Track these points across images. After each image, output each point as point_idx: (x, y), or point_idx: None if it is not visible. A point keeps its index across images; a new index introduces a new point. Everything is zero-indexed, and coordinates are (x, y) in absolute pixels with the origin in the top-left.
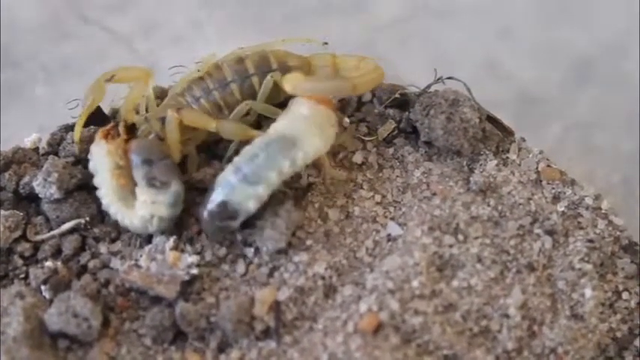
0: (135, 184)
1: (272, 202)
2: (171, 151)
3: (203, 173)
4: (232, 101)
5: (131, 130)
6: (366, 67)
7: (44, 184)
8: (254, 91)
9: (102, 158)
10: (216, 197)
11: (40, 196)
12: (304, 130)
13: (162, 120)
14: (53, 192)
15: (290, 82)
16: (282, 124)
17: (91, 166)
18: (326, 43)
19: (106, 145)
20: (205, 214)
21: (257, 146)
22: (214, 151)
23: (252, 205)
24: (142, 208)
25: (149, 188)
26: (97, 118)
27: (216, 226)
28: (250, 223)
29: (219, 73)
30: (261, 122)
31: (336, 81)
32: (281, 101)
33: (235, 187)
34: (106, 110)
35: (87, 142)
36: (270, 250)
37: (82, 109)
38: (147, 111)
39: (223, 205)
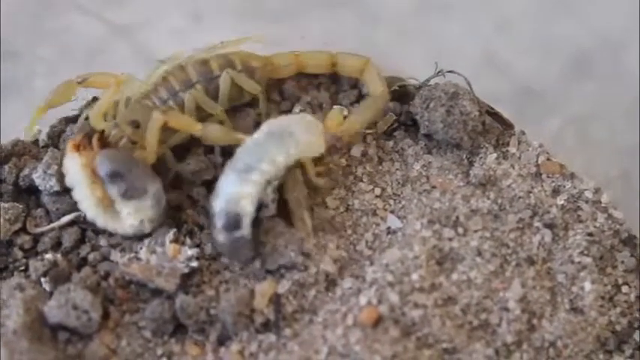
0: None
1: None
2: (147, 153)
3: (198, 163)
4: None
5: (103, 139)
6: (372, 70)
7: (44, 177)
8: (219, 93)
9: (77, 172)
10: (217, 207)
11: (40, 188)
12: (298, 126)
13: (134, 123)
14: (53, 184)
15: (335, 126)
16: (275, 121)
17: (67, 180)
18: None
19: (79, 158)
20: (218, 234)
21: (247, 144)
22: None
23: (247, 206)
24: (129, 218)
25: (128, 201)
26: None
27: (231, 242)
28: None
29: (184, 75)
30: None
31: (376, 104)
32: (246, 102)
33: (229, 191)
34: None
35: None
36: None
37: (44, 102)
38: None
39: (224, 214)
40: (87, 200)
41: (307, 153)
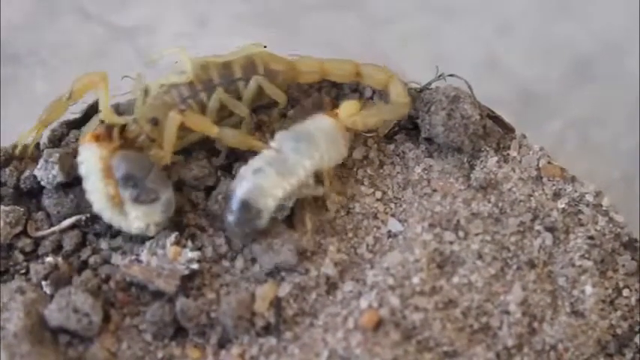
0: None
1: (270, 229)
2: (163, 152)
3: (201, 169)
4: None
5: (123, 133)
6: (397, 83)
7: (45, 167)
8: (239, 95)
9: (93, 163)
10: (237, 195)
11: (42, 183)
12: (319, 133)
13: (153, 121)
14: (56, 174)
15: (348, 115)
16: (296, 128)
17: (82, 170)
18: (265, 47)
19: (98, 150)
20: (230, 218)
21: (274, 151)
22: (213, 148)
23: (270, 203)
24: (136, 221)
25: (139, 205)
26: (96, 113)
27: (243, 228)
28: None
29: (205, 75)
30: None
31: (395, 110)
32: (263, 104)
33: (255, 185)
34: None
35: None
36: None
37: (37, 122)
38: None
39: (245, 204)
40: (97, 193)
41: (330, 162)
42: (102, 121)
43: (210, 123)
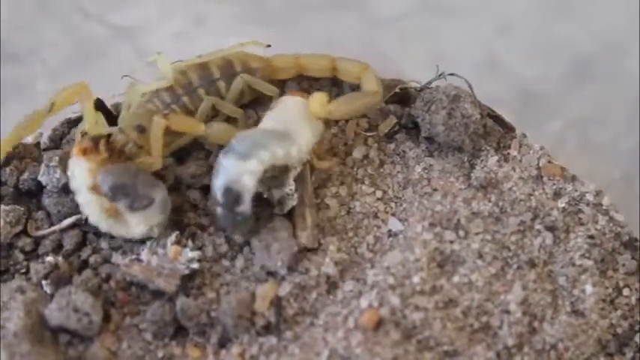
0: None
1: (270, 225)
2: (152, 158)
3: (198, 167)
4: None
5: (110, 144)
6: (369, 73)
7: (48, 171)
8: (220, 95)
9: (83, 177)
10: (216, 184)
11: (46, 186)
12: (296, 124)
13: (138, 128)
14: (59, 176)
15: (318, 105)
16: (273, 121)
17: (73, 185)
18: (269, 46)
19: (86, 163)
20: (217, 209)
21: (251, 131)
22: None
23: (248, 181)
24: (139, 227)
25: (135, 212)
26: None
27: (230, 217)
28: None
29: (184, 79)
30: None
31: (366, 98)
32: (245, 102)
33: (229, 166)
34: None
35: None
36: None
37: (12, 133)
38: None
39: (225, 189)
40: (90, 205)
41: (309, 147)
42: (84, 134)
43: (195, 122)
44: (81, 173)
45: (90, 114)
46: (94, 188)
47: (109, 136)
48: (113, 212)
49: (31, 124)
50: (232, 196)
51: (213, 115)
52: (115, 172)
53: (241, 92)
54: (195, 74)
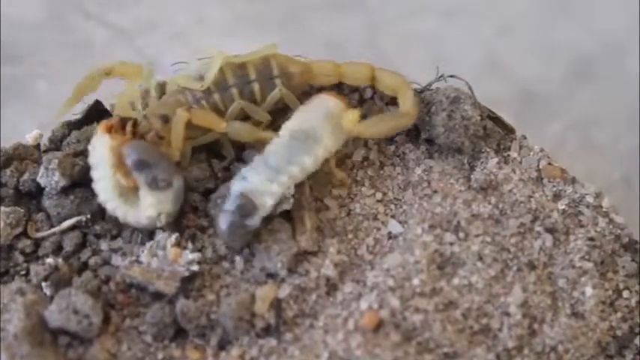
0: (136, 185)
1: (269, 226)
2: (172, 149)
3: (202, 171)
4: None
5: (134, 128)
6: (407, 90)
7: (47, 174)
8: (254, 97)
9: (104, 153)
10: (234, 193)
11: (45, 188)
12: (322, 124)
13: (163, 118)
14: (57, 179)
15: (351, 122)
16: (300, 120)
17: (92, 159)
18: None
19: (110, 140)
20: (224, 218)
21: (278, 143)
22: (216, 151)
23: (268, 200)
24: (149, 209)
25: (153, 190)
26: (97, 113)
27: (236, 228)
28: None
29: (220, 77)
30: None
31: (396, 120)
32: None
33: (254, 182)
34: (107, 106)
35: (87, 139)
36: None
37: (71, 94)
38: (145, 107)
39: (242, 200)
40: (104, 181)
41: (335, 148)
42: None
43: (217, 118)
44: (102, 148)
45: (130, 95)
46: (116, 161)
47: (135, 120)
48: (131, 185)
49: (87, 84)
50: (247, 209)
51: (243, 118)
52: (142, 147)
53: (278, 101)
54: (230, 73)
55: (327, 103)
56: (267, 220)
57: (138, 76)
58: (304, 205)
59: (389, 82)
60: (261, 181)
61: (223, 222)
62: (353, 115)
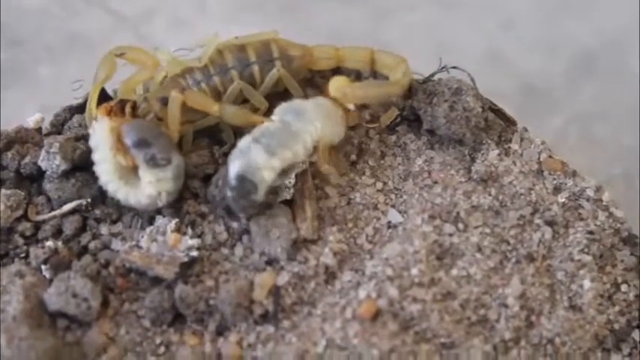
0: (135, 164)
1: (269, 211)
2: (169, 132)
3: (201, 157)
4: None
5: (135, 110)
6: (404, 67)
7: (48, 157)
8: (253, 79)
9: (104, 135)
10: (232, 170)
11: (46, 171)
12: (319, 110)
13: (162, 100)
14: (59, 163)
15: (337, 88)
16: (298, 101)
17: (92, 141)
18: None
19: (109, 122)
20: (229, 193)
21: (273, 123)
22: (216, 137)
23: (267, 176)
24: (149, 187)
25: (152, 168)
26: (99, 97)
27: (240, 202)
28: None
29: (220, 59)
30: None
31: (386, 86)
32: (279, 91)
33: (252, 156)
34: (109, 90)
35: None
36: (263, 254)
37: (94, 83)
38: (147, 90)
39: (241, 177)
40: (105, 163)
41: (327, 138)
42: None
43: (211, 100)
44: (102, 130)
45: (137, 83)
46: (116, 142)
47: (135, 102)
48: (130, 164)
49: (107, 67)
50: (247, 186)
51: (243, 101)
52: (141, 126)
53: (276, 83)
54: (230, 55)
55: (321, 99)
56: (268, 206)
57: (149, 67)
58: (306, 193)
59: (387, 61)
60: (258, 156)
61: (229, 197)
62: (340, 80)
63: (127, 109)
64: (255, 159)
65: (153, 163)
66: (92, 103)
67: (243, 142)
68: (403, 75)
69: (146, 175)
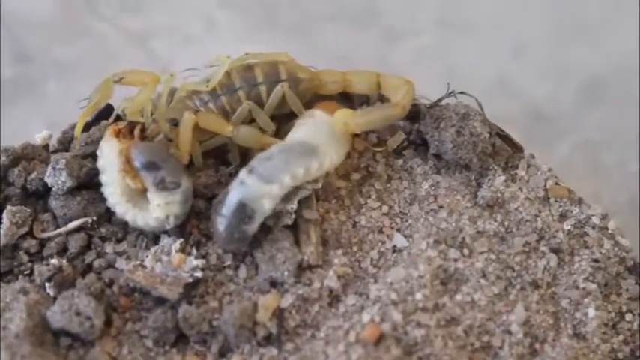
0: (144, 187)
1: (270, 236)
2: (180, 153)
3: (209, 177)
4: (239, 108)
5: (144, 132)
6: (408, 88)
7: (54, 174)
8: (260, 100)
9: (112, 157)
10: (232, 198)
11: (52, 188)
12: (325, 141)
13: (171, 121)
14: (65, 180)
15: (343, 120)
16: (303, 133)
17: (100, 163)
18: None
19: (118, 144)
20: (221, 219)
21: (275, 149)
22: (223, 157)
23: (267, 205)
24: (157, 211)
25: (161, 192)
26: (106, 115)
27: (233, 232)
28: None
29: (227, 79)
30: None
31: (386, 109)
32: (286, 112)
33: (250, 186)
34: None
35: (96, 142)
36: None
37: (87, 106)
38: (154, 112)
39: (240, 205)
40: (113, 185)
41: (330, 168)
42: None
43: (224, 122)
44: (110, 152)
45: (142, 102)
46: (125, 164)
47: (142, 125)
48: (140, 187)
49: (102, 92)
50: (245, 214)
51: (251, 121)
52: (150, 149)
53: (282, 101)
54: (238, 75)
55: (321, 118)
56: (268, 230)
57: (149, 84)
58: (310, 218)
59: (394, 84)
60: (255, 184)
61: (220, 225)
62: (341, 113)
63: (136, 131)
64: (253, 186)
65: (162, 186)
66: (78, 128)
67: (243, 172)
68: (403, 97)
69: (155, 198)
